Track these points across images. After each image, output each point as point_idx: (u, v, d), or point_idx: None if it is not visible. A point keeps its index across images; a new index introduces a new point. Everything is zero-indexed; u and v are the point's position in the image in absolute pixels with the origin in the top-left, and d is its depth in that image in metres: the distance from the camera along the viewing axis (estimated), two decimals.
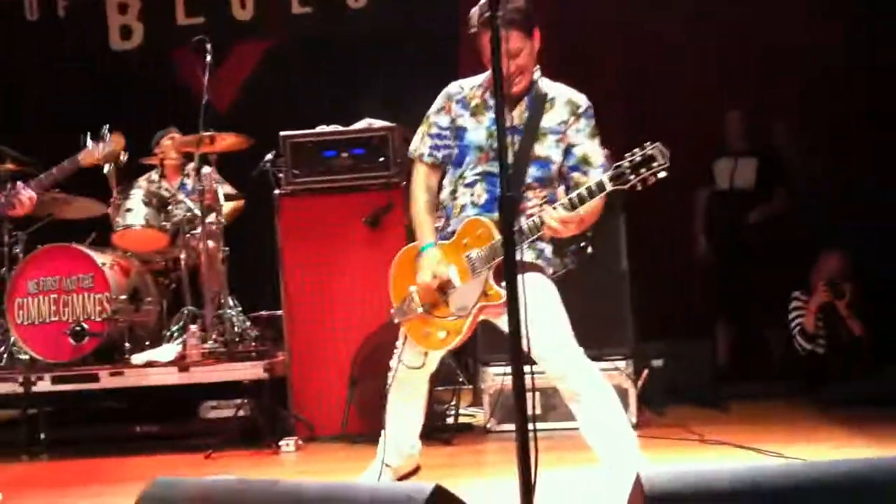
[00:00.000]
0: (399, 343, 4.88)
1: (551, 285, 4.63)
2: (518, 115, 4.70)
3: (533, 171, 4.66)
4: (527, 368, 3.57)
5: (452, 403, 6.93)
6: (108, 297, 7.33)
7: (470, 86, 4.87)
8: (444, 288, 4.63)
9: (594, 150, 4.70)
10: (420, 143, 4.92)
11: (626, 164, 4.25)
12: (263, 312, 7.93)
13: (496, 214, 4.10)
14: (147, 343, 7.51)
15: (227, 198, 7.87)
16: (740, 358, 8.88)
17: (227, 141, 7.51)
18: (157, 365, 7.17)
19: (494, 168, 4.56)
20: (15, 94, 9.91)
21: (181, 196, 7.72)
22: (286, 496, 3.26)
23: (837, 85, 8.93)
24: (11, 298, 7.44)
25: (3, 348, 7.59)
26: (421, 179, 4.89)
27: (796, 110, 9.13)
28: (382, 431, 5.03)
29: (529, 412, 3.48)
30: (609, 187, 4.29)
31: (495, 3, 3.70)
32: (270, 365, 7.01)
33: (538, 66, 4.77)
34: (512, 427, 3.54)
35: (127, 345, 7.36)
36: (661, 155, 4.21)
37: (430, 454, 5.36)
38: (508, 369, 3.51)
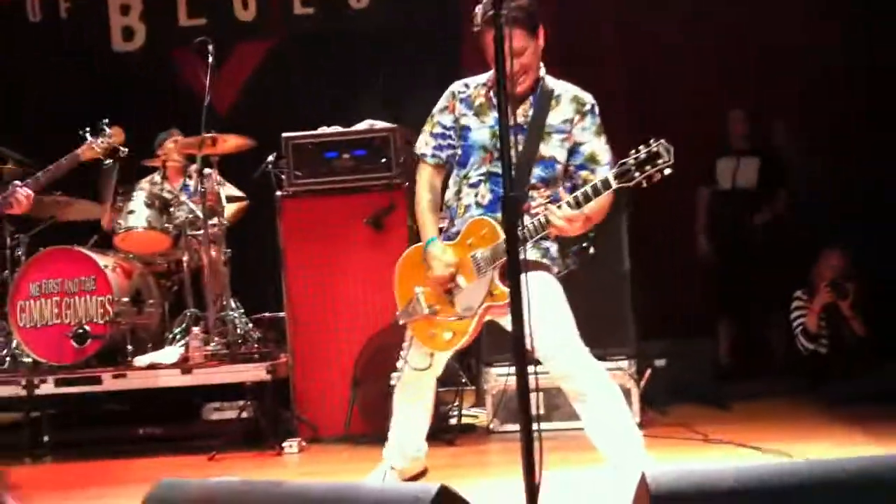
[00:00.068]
0: (405, 345, 4.87)
1: (557, 284, 4.63)
2: (522, 114, 4.69)
3: (538, 171, 4.66)
4: (530, 368, 3.57)
5: (455, 404, 6.92)
6: (111, 299, 7.34)
7: (474, 84, 4.85)
8: (451, 288, 4.63)
9: (601, 148, 4.69)
10: (424, 143, 4.92)
11: (630, 161, 4.25)
12: (266, 314, 7.94)
13: (501, 214, 4.11)
14: (150, 345, 7.51)
15: (231, 199, 7.88)
16: (742, 357, 8.90)
17: (230, 143, 7.50)
18: (159, 367, 7.17)
19: (499, 168, 4.55)
20: (16, 95, 9.91)
21: (183, 198, 7.72)
22: (291, 497, 3.26)
23: (837, 85, 8.94)
24: (14, 301, 7.44)
25: (5, 351, 7.59)
26: (425, 179, 4.89)
27: (796, 110, 9.14)
28: (389, 433, 5.04)
29: (533, 412, 3.48)
30: (614, 185, 4.29)
31: (499, 2, 3.70)
32: (273, 366, 7.01)
33: (542, 64, 4.77)
34: (515, 427, 3.56)
35: (129, 347, 7.36)
36: (666, 152, 4.21)
37: (433, 455, 5.36)
38: (511, 370, 3.51)
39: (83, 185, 7.64)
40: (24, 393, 7.20)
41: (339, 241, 7.07)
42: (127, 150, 7.19)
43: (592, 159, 4.67)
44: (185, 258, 7.66)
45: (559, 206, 4.36)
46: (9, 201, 6.92)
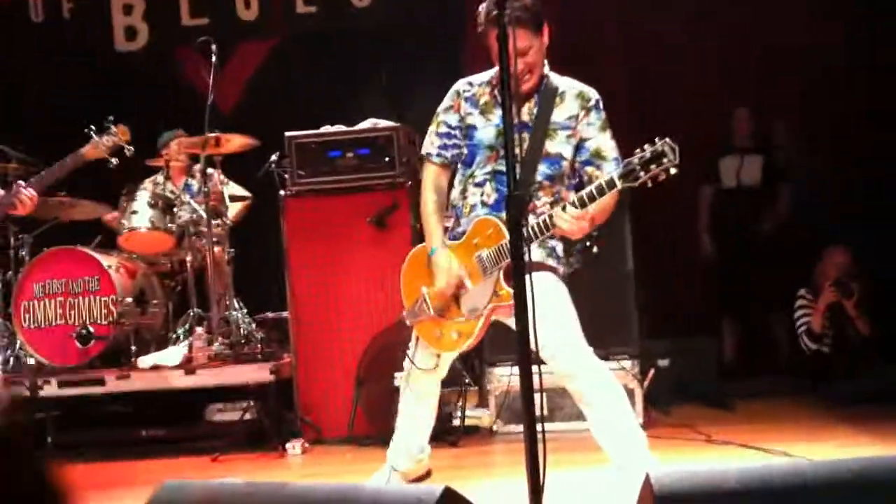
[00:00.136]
0: (411, 345, 4.87)
1: (562, 285, 4.62)
2: (528, 112, 4.68)
3: (544, 169, 4.65)
4: (534, 368, 3.57)
5: (459, 405, 6.93)
6: (114, 299, 7.34)
7: (479, 82, 4.84)
8: (456, 290, 4.63)
9: (607, 144, 4.67)
10: (430, 143, 4.90)
11: (635, 161, 4.22)
12: (269, 314, 7.94)
13: (505, 213, 4.09)
14: (153, 346, 7.52)
15: (236, 198, 7.88)
16: (746, 356, 8.90)
17: (233, 142, 7.50)
18: (163, 368, 7.17)
19: (504, 167, 4.55)
20: (19, 95, 9.91)
21: (186, 198, 7.71)
22: (294, 499, 3.26)
23: (838, 85, 8.93)
24: (17, 302, 7.44)
25: (9, 352, 7.59)
26: (430, 179, 4.87)
27: (797, 110, 9.14)
28: (393, 434, 5.04)
29: (537, 413, 3.48)
30: (619, 185, 4.26)
31: (502, 2, 3.69)
32: (276, 367, 7.01)
33: (546, 62, 4.77)
34: (518, 428, 3.56)
35: (133, 348, 7.37)
36: (671, 151, 4.17)
37: (436, 456, 5.37)
38: (514, 370, 3.51)
39: (86, 186, 7.63)
40: (27, 394, 7.20)
41: (342, 240, 7.07)
42: (132, 148, 7.19)
43: (598, 155, 4.65)
44: (188, 258, 7.65)
45: (564, 207, 4.35)
46: (12, 202, 6.88)
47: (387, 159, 7.05)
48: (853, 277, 7.73)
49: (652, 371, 7.06)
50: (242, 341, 7.33)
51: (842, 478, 2.99)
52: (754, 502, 2.95)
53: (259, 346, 7.39)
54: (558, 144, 4.67)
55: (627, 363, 6.76)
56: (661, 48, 9.18)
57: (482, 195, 4.72)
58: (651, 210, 7.15)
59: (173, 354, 7.25)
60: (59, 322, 7.42)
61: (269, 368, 6.97)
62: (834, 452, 5.56)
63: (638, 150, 4.23)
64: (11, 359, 7.54)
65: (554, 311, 4.39)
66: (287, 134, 7.16)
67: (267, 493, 3.32)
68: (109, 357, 7.42)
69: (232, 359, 7.19)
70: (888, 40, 8.68)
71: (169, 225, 7.58)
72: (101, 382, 7.18)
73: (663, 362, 7.29)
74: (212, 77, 7.30)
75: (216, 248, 7.51)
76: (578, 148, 4.69)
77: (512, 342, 3.66)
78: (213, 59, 7.35)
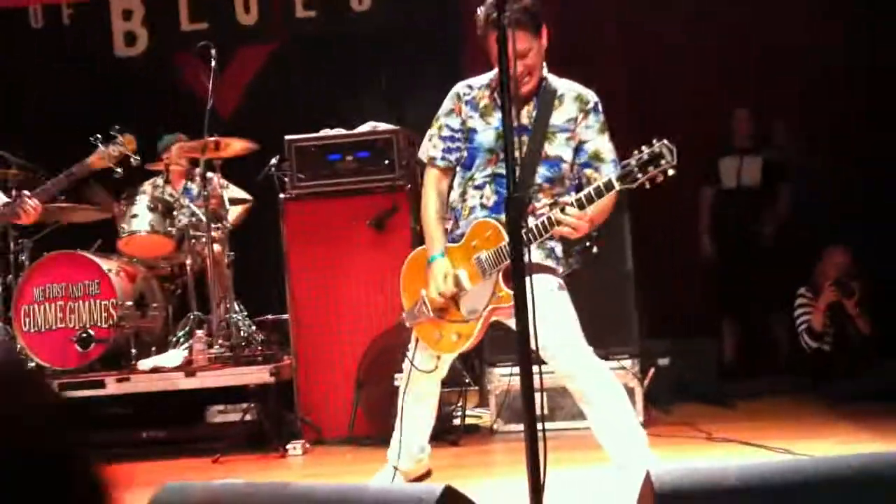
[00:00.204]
0: (410, 347, 4.88)
1: (561, 285, 4.63)
2: (527, 115, 4.68)
3: (543, 171, 4.65)
4: (534, 368, 3.57)
5: (459, 405, 6.93)
6: (115, 303, 7.34)
7: (478, 85, 4.84)
8: (455, 292, 4.63)
9: (605, 146, 4.68)
10: (432, 147, 4.88)
11: (633, 162, 4.22)
12: (269, 317, 7.94)
13: (505, 216, 4.10)
14: (153, 349, 7.51)
15: (236, 201, 7.88)
16: (746, 355, 8.91)
17: (233, 147, 7.49)
18: (163, 370, 7.18)
19: (504, 170, 4.55)
20: (19, 101, 9.92)
21: (186, 201, 7.72)
22: (295, 500, 3.26)
23: (837, 85, 8.95)
24: (18, 306, 7.44)
25: None
26: (432, 183, 4.86)
27: (797, 110, 9.15)
28: (393, 435, 5.04)
29: (537, 412, 3.48)
30: (617, 186, 4.26)
31: (502, 4, 3.69)
32: (277, 369, 7.01)
33: (545, 64, 4.77)
34: (518, 427, 3.56)
35: (133, 351, 7.37)
36: (669, 152, 4.17)
37: (437, 455, 5.37)
38: (515, 370, 3.51)
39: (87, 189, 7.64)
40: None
41: (342, 243, 7.07)
42: (139, 158, 7.19)
43: (597, 157, 4.66)
44: (188, 261, 7.65)
45: (563, 209, 4.35)
46: (16, 211, 6.85)
47: (386, 162, 7.05)
48: (853, 277, 7.73)
49: (652, 370, 7.07)
50: (243, 344, 7.33)
51: (842, 474, 2.99)
52: (755, 500, 2.95)
53: (259, 348, 7.39)
54: (557, 147, 4.67)
55: (628, 362, 6.76)
56: (661, 48, 9.19)
57: (481, 198, 4.72)
58: (650, 210, 7.16)
59: (173, 357, 7.26)
60: (60, 326, 7.42)
61: (270, 370, 6.97)
62: (834, 449, 5.55)
63: (636, 152, 4.23)
64: None
65: (554, 312, 4.39)
66: (287, 137, 7.16)
67: (268, 494, 3.32)
68: (109, 360, 7.42)
69: (232, 361, 7.19)
70: (888, 40, 8.69)
71: (168, 228, 7.59)
72: (102, 385, 7.18)
73: (663, 361, 7.29)
74: (211, 82, 7.30)
75: (216, 251, 7.51)
76: (577, 150, 4.69)
77: (512, 342, 3.67)
78: (213, 63, 7.36)
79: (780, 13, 8.88)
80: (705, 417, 6.82)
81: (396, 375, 5.03)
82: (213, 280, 7.39)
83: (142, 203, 7.57)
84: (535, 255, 4.48)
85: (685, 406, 7.29)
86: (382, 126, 7.21)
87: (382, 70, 9.42)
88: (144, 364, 7.23)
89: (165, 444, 7.33)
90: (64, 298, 7.44)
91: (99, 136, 6.99)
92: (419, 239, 5.00)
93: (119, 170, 7.02)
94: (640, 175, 4.19)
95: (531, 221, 4.39)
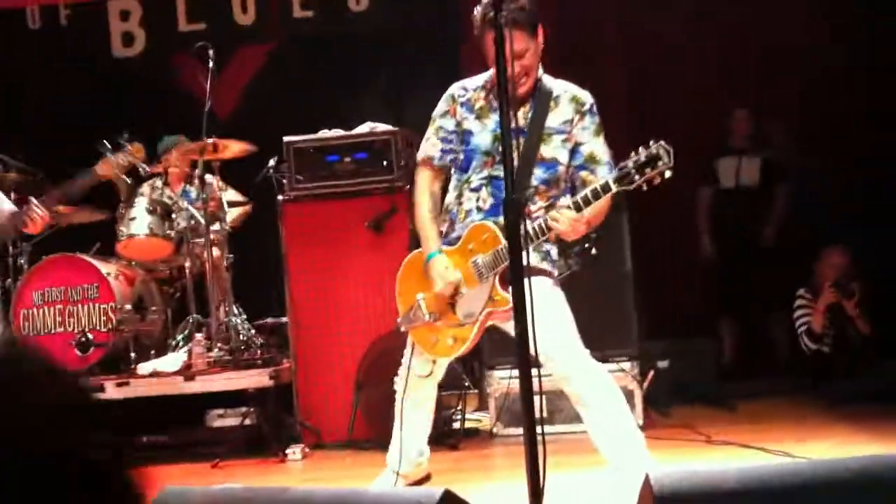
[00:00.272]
0: (407, 351, 4.87)
1: (557, 288, 4.63)
2: (523, 116, 4.67)
3: (539, 173, 4.65)
4: (533, 371, 3.57)
5: (458, 408, 6.92)
6: (114, 306, 7.33)
7: (473, 87, 4.84)
8: (452, 295, 4.63)
9: (600, 148, 4.68)
10: (430, 146, 4.88)
11: (630, 164, 4.22)
12: (268, 319, 7.93)
13: (502, 219, 4.10)
14: (153, 352, 7.50)
15: (233, 204, 7.87)
16: (745, 356, 8.89)
17: (231, 148, 7.48)
18: (162, 374, 7.16)
19: (500, 172, 4.54)
20: (17, 103, 9.90)
21: (184, 204, 7.71)
22: None
23: (837, 85, 8.94)
24: (16, 310, 7.43)
25: None
26: (425, 184, 4.86)
27: (796, 110, 9.14)
28: (392, 440, 5.03)
29: (537, 415, 3.48)
30: (614, 188, 4.27)
31: (499, 4, 3.68)
32: (276, 372, 7.00)
33: (540, 65, 4.76)
34: (518, 431, 3.56)
35: (132, 354, 7.36)
36: (667, 154, 4.18)
37: (436, 459, 5.37)
38: (514, 373, 3.51)
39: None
40: None
41: (340, 244, 7.06)
42: (147, 168, 7.16)
43: (592, 159, 4.66)
44: (187, 264, 7.65)
45: (559, 211, 4.35)
46: (23, 220, 6.79)
47: (385, 163, 7.04)
48: (852, 278, 7.72)
49: (651, 372, 7.06)
50: (242, 347, 7.32)
51: (840, 477, 2.99)
52: (754, 502, 2.95)
53: (258, 351, 7.38)
54: (553, 149, 4.67)
55: (627, 364, 6.75)
56: (661, 48, 9.18)
57: (478, 200, 4.72)
58: (649, 211, 7.14)
59: (173, 361, 7.25)
60: (59, 330, 7.42)
61: (269, 374, 6.96)
62: (833, 451, 5.55)
63: (633, 154, 4.23)
64: None
65: (550, 314, 4.39)
66: (285, 139, 7.15)
67: (267, 498, 3.31)
68: (109, 364, 7.41)
69: (231, 364, 7.18)
70: (888, 40, 8.68)
71: (167, 231, 7.58)
72: (101, 389, 7.16)
73: (663, 363, 7.29)
74: (209, 83, 7.29)
75: (215, 254, 7.50)
76: (573, 152, 4.69)
77: (511, 345, 3.67)
78: (211, 64, 7.35)
79: (780, 13, 8.87)
80: (704, 420, 6.81)
81: (396, 378, 5.02)
82: (212, 283, 7.38)
83: (140, 206, 7.57)
84: (531, 257, 4.47)
85: (684, 408, 7.28)
86: (381, 127, 7.20)
87: (381, 70, 9.41)
88: (144, 368, 7.22)
89: (165, 448, 7.32)
90: (63, 302, 7.43)
91: (107, 143, 6.95)
92: (417, 240, 5.00)
93: (129, 179, 7.00)
94: (637, 177, 4.20)
95: (528, 224, 4.38)
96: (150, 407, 7.52)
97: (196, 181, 7.68)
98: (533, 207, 4.60)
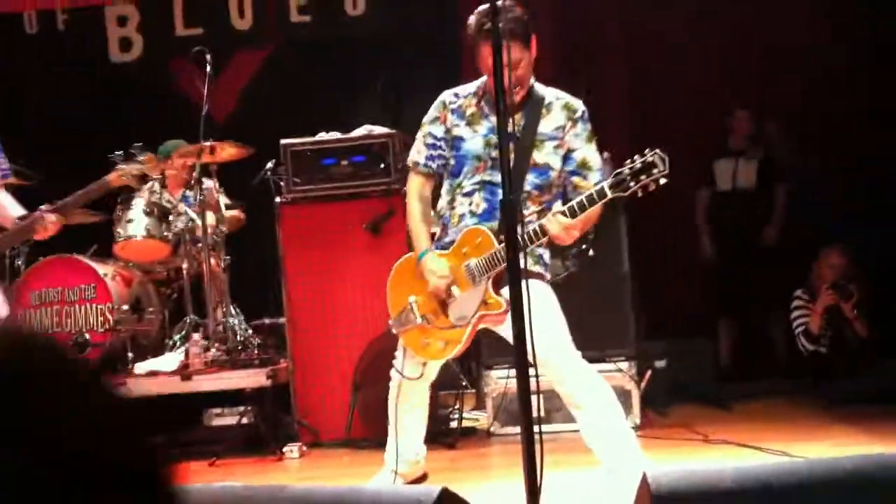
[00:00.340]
0: (398, 354, 4.89)
1: (549, 291, 4.65)
2: (515, 123, 4.70)
3: (532, 179, 4.68)
4: (531, 371, 3.58)
5: (456, 407, 6.93)
6: (111, 307, 7.34)
7: (465, 94, 4.88)
8: (445, 296, 4.64)
9: (592, 154, 4.73)
10: (416, 152, 4.94)
11: (626, 170, 4.25)
12: (266, 320, 7.94)
13: (495, 223, 4.14)
14: (150, 353, 7.51)
15: (228, 208, 7.87)
16: (743, 357, 8.90)
17: (228, 151, 7.48)
18: (160, 374, 7.17)
19: (492, 177, 4.59)
20: (15, 107, 9.90)
21: (182, 206, 7.71)
22: (294, 502, 3.27)
23: (840, 84, 8.95)
24: (14, 311, 7.43)
25: None
26: (415, 189, 4.92)
27: (798, 109, 9.14)
28: (388, 440, 5.05)
29: (534, 414, 3.49)
30: (609, 194, 4.30)
31: (496, 14, 3.70)
32: (273, 372, 7.00)
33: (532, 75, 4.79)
34: (515, 430, 3.57)
35: (130, 355, 7.36)
36: (662, 162, 4.21)
37: (434, 458, 5.37)
38: (511, 372, 3.52)
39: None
40: None
41: (337, 247, 7.07)
42: (159, 178, 7.15)
43: (584, 165, 4.70)
44: (184, 266, 7.65)
45: (554, 215, 4.38)
46: (35, 227, 6.73)
47: (382, 166, 7.05)
48: (851, 278, 7.71)
49: (649, 372, 7.07)
50: (239, 347, 7.32)
51: (837, 476, 3.00)
52: (751, 502, 2.96)
53: (256, 351, 7.38)
54: (546, 155, 4.70)
55: (624, 364, 6.76)
56: (663, 47, 9.19)
57: (471, 205, 4.75)
58: (647, 212, 7.15)
59: (170, 361, 7.25)
60: (56, 330, 7.40)
61: (266, 373, 6.96)
62: (830, 451, 5.55)
63: (628, 161, 4.27)
64: None
65: (542, 316, 4.39)
66: (282, 141, 7.15)
67: (265, 497, 3.32)
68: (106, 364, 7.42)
69: (229, 365, 7.18)
70: (890, 39, 8.69)
71: (165, 233, 7.58)
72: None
73: (660, 363, 7.30)
74: (206, 87, 7.30)
75: (212, 256, 7.50)
76: (565, 158, 4.73)
77: (508, 345, 3.68)
78: (208, 68, 7.35)
79: (782, 12, 8.88)
80: (702, 419, 6.82)
81: (390, 383, 5.04)
82: (209, 284, 7.38)
83: (138, 207, 7.57)
84: (524, 262, 4.50)
85: (682, 408, 7.29)
86: (378, 129, 7.21)
87: (378, 74, 9.42)
88: (141, 368, 7.22)
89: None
90: (60, 303, 7.43)
91: (119, 153, 6.93)
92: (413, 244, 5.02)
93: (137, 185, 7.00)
94: (632, 184, 4.24)
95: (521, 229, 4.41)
96: (148, 405, 7.52)
97: (194, 183, 7.68)
98: (526, 212, 4.62)
